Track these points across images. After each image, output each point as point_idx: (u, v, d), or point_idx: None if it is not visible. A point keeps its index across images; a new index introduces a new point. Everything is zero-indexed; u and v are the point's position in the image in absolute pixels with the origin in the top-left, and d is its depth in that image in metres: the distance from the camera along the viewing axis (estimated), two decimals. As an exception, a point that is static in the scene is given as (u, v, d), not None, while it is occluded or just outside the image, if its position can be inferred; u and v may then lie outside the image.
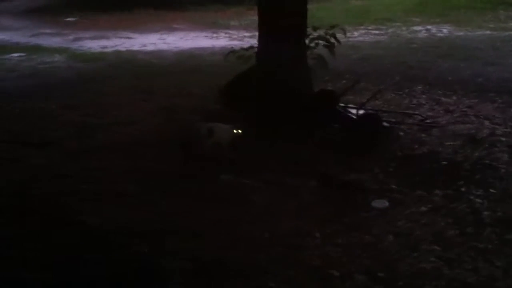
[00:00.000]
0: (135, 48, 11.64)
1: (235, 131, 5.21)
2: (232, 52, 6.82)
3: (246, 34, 12.53)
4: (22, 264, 3.61)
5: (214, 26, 14.08)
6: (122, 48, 11.68)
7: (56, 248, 3.78)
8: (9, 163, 5.26)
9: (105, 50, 11.51)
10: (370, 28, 12.74)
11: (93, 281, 3.40)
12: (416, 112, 6.48)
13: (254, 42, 6.59)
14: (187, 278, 3.46)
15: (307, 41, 6.20)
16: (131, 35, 13.32)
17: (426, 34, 11.60)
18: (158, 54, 10.84)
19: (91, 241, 3.85)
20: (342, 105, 6.08)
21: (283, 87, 5.84)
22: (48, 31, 14.43)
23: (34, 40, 13.08)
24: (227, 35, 12.88)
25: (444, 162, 5.08)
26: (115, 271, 3.50)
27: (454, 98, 6.94)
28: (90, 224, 4.10)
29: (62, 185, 4.82)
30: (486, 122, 6.06)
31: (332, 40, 6.40)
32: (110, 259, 3.64)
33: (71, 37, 13.27)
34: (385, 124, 5.88)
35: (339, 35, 6.59)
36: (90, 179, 4.96)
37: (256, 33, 6.32)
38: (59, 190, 4.71)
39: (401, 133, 5.83)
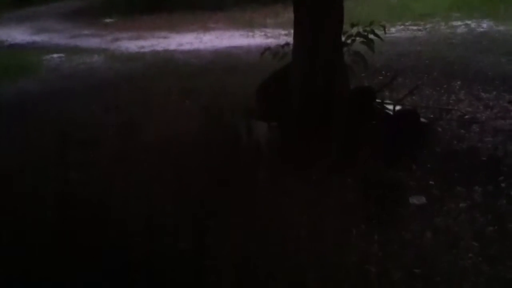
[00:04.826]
0: (172, 47, 11.78)
1: (271, 129, 5.23)
2: (268, 49, 6.81)
3: (282, 32, 12.52)
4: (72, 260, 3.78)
5: (250, 25, 14.12)
6: (159, 48, 11.84)
7: (105, 246, 3.93)
8: (53, 163, 5.40)
9: (143, 50, 11.68)
10: (408, 24, 12.58)
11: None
12: (455, 108, 6.39)
13: (291, 40, 6.59)
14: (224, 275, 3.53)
15: (344, 38, 6.17)
16: (167, 35, 13.49)
17: (465, 29, 11.39)
18: (195, 53, 10.94)
19: (134, 244, 3.95)
20: (379, 101, 6.04)
21: (319, 84, 5.83)
22: (86, 32, 14.75)
23: (74, 41, 13.38)
24: (263, 33, 12.90)
25: (484, 158, 5.01)
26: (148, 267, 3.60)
27: (494, 93, 6.81)
28: (133, 224, 4.19)
29: (105, 185, 4.93)
30: (528, 118, 5.94)
31: (371, 36, 6.35)
32: (147, 259, 3.76)
33: (109, 38, 13.53)
34: (423, 120, 5.82)
35: (379, 32, 6.53)
36: (131, 178, 5.05)
37: (292, 31, 6.32)
38: (101, 190, 4.83)
39: (440, 129, 5.76)
